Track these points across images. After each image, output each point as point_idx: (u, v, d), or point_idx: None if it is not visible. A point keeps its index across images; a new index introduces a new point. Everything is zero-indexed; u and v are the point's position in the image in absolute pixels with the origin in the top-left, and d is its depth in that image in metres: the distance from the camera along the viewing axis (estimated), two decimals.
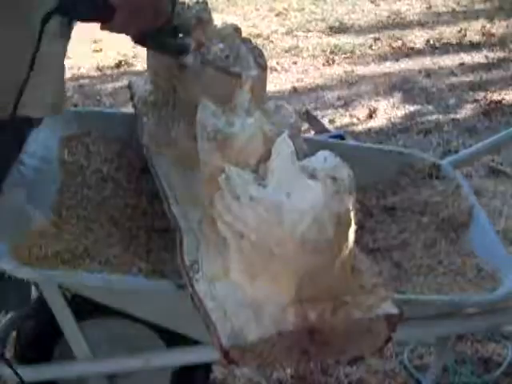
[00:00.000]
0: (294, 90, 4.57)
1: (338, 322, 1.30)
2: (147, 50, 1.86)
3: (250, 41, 1.79)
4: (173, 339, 1.79)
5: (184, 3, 1.74)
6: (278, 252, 1.28)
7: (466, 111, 4.23)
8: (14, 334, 1.95)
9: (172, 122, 1.82)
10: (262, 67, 1.72)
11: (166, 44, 1.70)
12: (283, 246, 1.27)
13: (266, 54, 1.81)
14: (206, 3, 1.84)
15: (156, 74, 1.87)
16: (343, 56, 5.07)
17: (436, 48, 5.18)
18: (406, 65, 4.92)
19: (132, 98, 1.97)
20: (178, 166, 1.72)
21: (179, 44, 1.70)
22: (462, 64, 4.88)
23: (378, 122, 4.15)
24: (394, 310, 1.34)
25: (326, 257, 1.28)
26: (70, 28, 1.65)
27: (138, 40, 1.67)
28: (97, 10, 1.51)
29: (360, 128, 4.07)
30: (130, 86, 2.01)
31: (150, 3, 1.55)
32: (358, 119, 4.17)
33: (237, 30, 1.80)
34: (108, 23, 1.53)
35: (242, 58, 1.72)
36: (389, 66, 4.90)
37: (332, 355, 1.38)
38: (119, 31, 1.58)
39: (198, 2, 1.85)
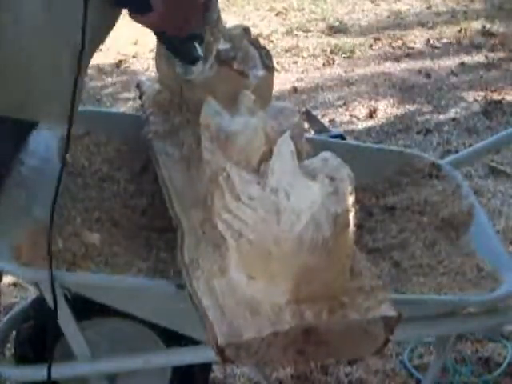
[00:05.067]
0: (294, 90, 4.57)
1: (334, 323, 1.30)
2: (156, 51, 1.87)
3: (258, 41, 1.80)
4: (173, 339, 1.79)
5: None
6: (275, 251, 1.28)
7: (465, 111, 4.22)
8: (14, 333, 1.96)
9: (178, 122, 1.82)
10: (269, 68, 1.72)
11: (180, 49, 1.71)
12: (281, 246, 1.27)
13: None
14: (216, 3, 1.85)
15: (163, 74, 1.87)
16: (343, 56, 5.07)
17: (436, 48, 5.18)
18: (406, 65, 4.91)
19: (140, 97, 1.98)
20: (182, 164, 1.73)
21: (192, 54, 1.70)
22: (462, 64, 4.87)
23: (378, 121, 4.15)
24: (392, 313, 1.34)
25: (323, 257, 1.28)
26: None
27: (159, 36, 1.68)
28: (135, 5, 1.52)
29: (360, 128, 4.07)
30: (138, 86, 2.02)
31: (189, 7, 1.56)
32: (358, 119, 4.17)
33: (246, 30, 1.81)
34: (144, 15, 1.53)
35: (249, 58, 1.72)
36: (389, 66, 4.90)
37: (328, 356, 1.38)
38: (152, 25, 1.60)
39: None
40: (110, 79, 4.72)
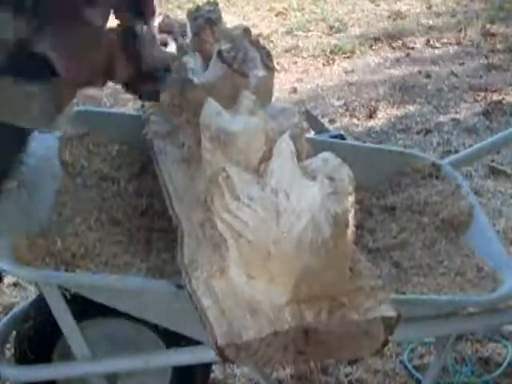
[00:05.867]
0: (294, 90, 4.57)
1: (334, 323, 1.30)
2: None
3: (259, 42, 1.80)
4: (173, 339, 1.79)
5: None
6: (275, 252, 1.28)
7: (465, 111, 4.22)
8: (14, 333, 1.96)
9: (178, 122, 1.82)
10: (269, 68, 1.72)
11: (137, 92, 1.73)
12: (280, 246, 1.27)
13: None
14: (217, 4, 1.85)
15: None
16: (343, 56, 5.07)
17: (436, 48, 5.18)
18: (405, 65, 4.91)
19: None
20: (182, 164, 1.73)
21: (147, 93, 1.71)
22: (462, 64, 4.87)
23: (378, 122, 4.15)
24: (392, 313, 1.33)
25: (323, 257, 1.28)
26: None
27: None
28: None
29: (360, 128, 4.07)
30: None
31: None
32: (358, 119, 4.17)
33: (246, 31, 1.81)
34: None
35: (250, 58, 1.73)
36: (389, 66, 4.90)
37: (328, 356, 1.38)
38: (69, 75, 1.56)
39: (208, 3, 1.86)
40: None
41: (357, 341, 1.33)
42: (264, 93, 1.69)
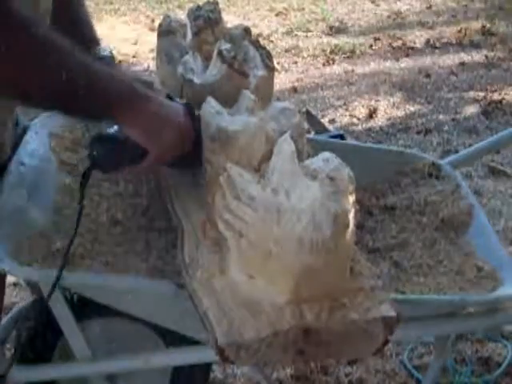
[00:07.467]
0: (294, 90, 4.57)
1: (334, 323, 1.30)
2: (156, 51, 1.88)
3: (259, 42, 1.80)
4: (173, 339, 1.79)
5: None
6: (275, 251, 1.28)
7: (465, 111, 4.23)
8: (14, 333, 1.96)
9: None
10: (269, 68, 1.72)
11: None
12: (281, 246, 1.27)
13: None
14: (217, 3, 1.85)
15: (163, 74, 1.87)
16: (343, 56, 5.08)
17: (436, 48, 5.19)
18: (406, 65, 4.92)
19: None
20: None
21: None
22: (462, 64, 4.88)
23: (378, 122, 4.15)
24: (392, 313, 1.33)
25: (323, 257, 1.28)
26: None
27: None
28: (127, 160, 1.52)
29: (360, 128, 4.08)
30: None
31: (176, 148, 1.53)
32: (358, 119, 4.18)
33: (246, 30, 1.81)
34: (141, 163, 1.51)
35: (250, 58, 1.72)
36: (389, 66, 4.91)
37: (328, 356, 1.38)
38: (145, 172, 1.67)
39: (208, 2, 1.86)
40: None
41: (357, 341, 1.33)
42: (264, 93, 1.69)
